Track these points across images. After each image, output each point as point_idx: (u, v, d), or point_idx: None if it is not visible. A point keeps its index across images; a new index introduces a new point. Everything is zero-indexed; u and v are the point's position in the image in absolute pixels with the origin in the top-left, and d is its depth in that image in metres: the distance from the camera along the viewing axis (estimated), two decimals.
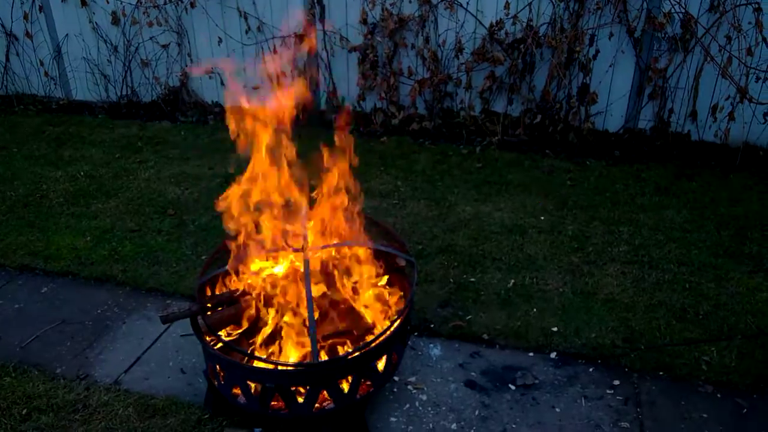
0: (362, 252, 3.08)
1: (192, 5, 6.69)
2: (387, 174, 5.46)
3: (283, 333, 2.86)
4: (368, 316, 3.00)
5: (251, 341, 2.91)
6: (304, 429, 2.88)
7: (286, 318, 2.85)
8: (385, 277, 3.19)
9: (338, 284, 2.99)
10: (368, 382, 2.77)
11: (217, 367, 2.74)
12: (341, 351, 2.87)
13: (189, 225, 4.69)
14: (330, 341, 2.90)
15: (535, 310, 3.68)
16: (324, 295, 2.92)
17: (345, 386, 2.69)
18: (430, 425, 2.93)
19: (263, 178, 2.94)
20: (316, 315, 2.77)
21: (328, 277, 2.98)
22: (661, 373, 3.20)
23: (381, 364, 2.79)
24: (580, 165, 5.61)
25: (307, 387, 2.64)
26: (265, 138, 2.92)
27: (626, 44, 5.67)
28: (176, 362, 3.36)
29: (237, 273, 3.10)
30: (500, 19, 5.87)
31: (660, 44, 5.59)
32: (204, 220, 4.76)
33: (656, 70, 5.63)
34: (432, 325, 3.57)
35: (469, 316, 3.63)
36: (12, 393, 3.07)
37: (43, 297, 3.95)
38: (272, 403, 2.68)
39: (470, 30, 6.04)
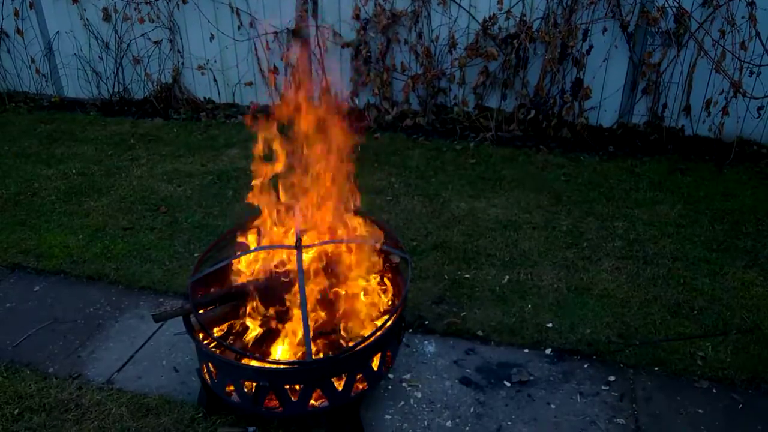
0: (356, 249, 3.06)
1: (184, 1, 6.65)
2: (380, 170, 5.44)
3: (276, 331, 2.84)
4: (362, 314, 2.98)
5: (245, 339, 2.89)
6: (298, 427, 2.87)
7: (279, 316, 2.83)
8: (380, 274, 3.17)
9: (332, 281, 2.97)
10: (362, 380, 2.76)
11: (210, 365, 2.72)
12: (335, 349, 2.85)
13: (182, 222, 4.67)
14: (324, 339, 2.88)
15: (529, 306, 3.67)
16: (318, 292, 2.90)
17: (339, 384, 2.67)
18: (425, 423, 2.92)
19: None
20: (310, 312, 2.76)
21: (322, 275, 2.96)
22: (656, 368, 3.20)
23: (375, 362, 2.78)
24: (574, 160, 5.61)
25: (301, 385, 2.62)
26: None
27: (620, 39, 5.66)
28: (169, 361, 3.34)
29: (230, 270, 3.08)
30: (493, 14, 5.85)
31: (653, 39, 5.58)
32: (197, 217, 4.73)
33: (650, 65, 5.63)
34: (426, 322, 3.56)
35: (464, 313, 3.62)
36: (4, 393, 3.05)
37: (35, 296, 3.92)
38: (266, 401, 2.67)
39: (463, 25, 6.02)
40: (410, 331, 3.50)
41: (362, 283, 3.06)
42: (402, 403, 3.03)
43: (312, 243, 2.90)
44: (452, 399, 3.06)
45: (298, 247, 2.72)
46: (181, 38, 6.92)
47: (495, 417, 2.95)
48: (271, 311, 2.86)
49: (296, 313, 2.78)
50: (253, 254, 3.03)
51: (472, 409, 2.99)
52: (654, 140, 5.81)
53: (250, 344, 2.86)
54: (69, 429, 2.86)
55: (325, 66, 6.44)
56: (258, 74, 6.81)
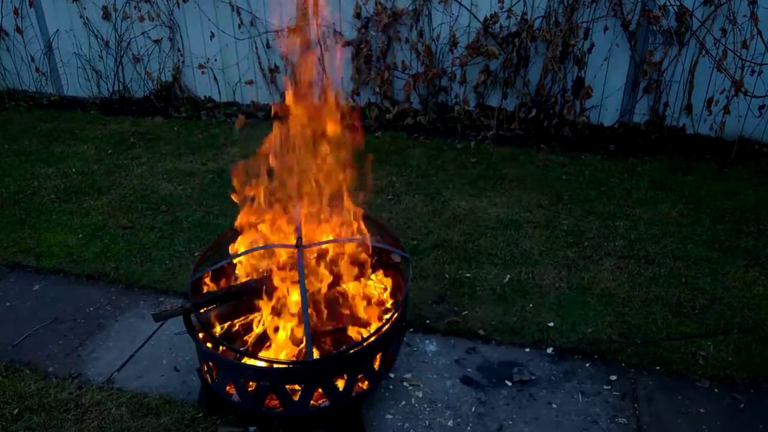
0: (357, 248, 3.06)
1: (184, 0, 6.64)
2: (381, 169, 5.43)
3: (277, 330, 2.84)
4: (363, 313, 2.97)
5: (245, 339, 2.88)
6: (299, 427, 2.86)
7: (280, 315, 2.82)
8: (380, 273, 3.17)
9: (333, 281, 2.96)
10: (363, 380, 2.75)
11: (211, 365, 2.71)
12: (336, 349, 2.84)
13: (182, 221, 4.66)
14: (325, 339, 2.87)
15: (531, 305, 3.66)
16: (318, 291, 2.89)
17: (340, 384, 2.66)
18: (426, 422, 2.91)
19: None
20: (311, 312, 2.75)
21: (322, 274, 2.95)
22: (657, 368, 3.19)
23: (376, 362, 2.77)
24: (575, 159, 5.60)
25: (302, 385, 2.61)
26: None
27: (621, 38, 5.65)
28: (170, 360, 3.33)
29: (230, 270, 3.07)
30: (495, 12, 5.84)
31: (655, 37, 5.57)
32: (197, 216, 4.72)
33: (651, 64, 5.62)
34: (427, 321, 3.55)
35: (465, 312, 3.61)
36: (3, 393, 3.04)
37: (35, 295, 3.91)
38: (267, 401, 2.66)
39: (464, 24, 6.01)
40: (411, 330, 3.49)
41: (363, 282, 3.06)
42: (403, 402, 3.03)
43: (312, 242, 2.89)
44: (453, 398, 3.05)
45: (299, 246, 2.71)
46: (181, 37, 6.91)
47: (496, 416, 2.94)
48: (272, 310, 2.86)
49: (297, 311, 2.77)
50: (255, 253, 3.02)
51: (473, 409, 2.98)
52: (655, 139, 5.80)
53: (250, 344, 2.86)
54: (69, 429, 2.85)
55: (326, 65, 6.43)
56: (258, 73, 6.80)
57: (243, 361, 2.73)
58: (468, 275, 3.95)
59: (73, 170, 5.60)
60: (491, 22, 5.87)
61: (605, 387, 3.09)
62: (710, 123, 5.68)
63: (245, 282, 2.95)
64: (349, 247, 3.02)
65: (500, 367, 3.23)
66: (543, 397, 3.05)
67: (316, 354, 2.72)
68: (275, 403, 2.67)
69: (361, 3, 6.14)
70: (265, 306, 2.85)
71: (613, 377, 3.15)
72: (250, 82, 6.89)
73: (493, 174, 5.34)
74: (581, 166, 5.44)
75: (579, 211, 4.68)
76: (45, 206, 4.93)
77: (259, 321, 2.89)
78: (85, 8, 6.97)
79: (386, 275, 3.19)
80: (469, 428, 2.88)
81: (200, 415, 2.90)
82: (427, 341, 3.43)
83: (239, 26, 6.63)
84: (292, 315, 2.80)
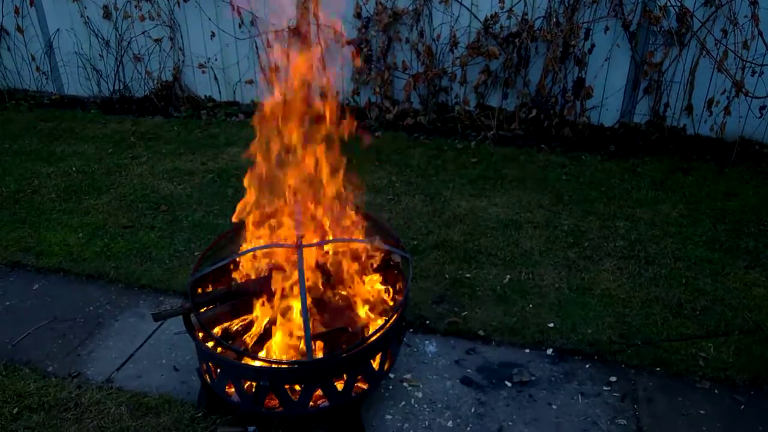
0: (357, 248, 3.05)
1: None
2: (381, 169, 5.43)
3: (276, 330, 2.83)
4: (363, 313, 2.97)
5: (245, 338, 2.88)
6: (299, 427, 2.85)
7: (279, 315, 2.82)
8: (380, 273, 3.16)
9: (333, 281, 2.96)
10: (363, 380, 2.75)
11: (210, 364, 2.71)
12: (336, 349, 2.84)
13: (182, 221, 4.65)
14: (324, 339, 2.87)
15: (531, 305, 3.66)
16: (318, 291, 2.89)
17: (339, 384, 2.66)
18: (426, 423, 2.91)
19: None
20: (310, 312, 2.74)
21: (322, 274, 2.95)
22: (658, 369, 3.18)
23: (376, 362, 2.76)
24: (575, 159, 5.59)
25: (302, 385, 2.61)
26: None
27: (622, 38, 5.65)
28: (169, 360, 3.32)
29: (230, 269, 3.07)
30: (495, 12, 5.84)
31: (656, 38, 5.57)
32: (197, 215, 4.72)
33: (652, 64, 5.61)
34: (427, 322, 3.55)
35: (465, 312, 3.61)
36: (3, 392, 3.04)
37: (35, 294, 3.91)
38: (266, 401, 2.66)
39: (465, 24, 6.01)
40: (411, 330, 3.49)
41: (363, 282, 3.05)
42: (403, 403, 3.02)
43: (313, 242, 2.89)
44: (453, 399, 3.04)
45: (299, 246, 2.71)
46: (181, 36, 6.90)
47: (496, 417, 2.93)
48: (272, 310, 2.85)
49: (297, 311, 2.77)
50: (255, 252, 3.02)
51: (473, 409, 2.98)
52: (655, 140, 5.79)
53: (250, 344, 2.85)
54: (68, 428, 2.85)
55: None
56: (259, 72, 6.79)
57: (242, 361, 2.73)
58: (468, 275, 3.94)
59: (74, 169, 5.59)
60: (492, 23, 5.87)
61: (605, 388, 3.09)
62: (711, 124, 5.68)
63: (245, 282, 2.95)
64: (350, 247, 3.02)
65: (500, 368, 3.23)
66: (543, 398, 3.05)
67: (316, 354, 2.72)
68: (275, 403, 2.67)
69: (362, 2, 6.14)
70: (265, 306, 2.85)
71: (613, 378, 3.14)
72: (251, 82, 6.89)
73: (493, 174, 5.34)
74: (581, 167, 5.44)
75: (579, 212, 4.68)
76: (45, 205, 4.93)
77: (259, 321, 2.88)
78: (85, 7, 6.97)
79: (386, 275, 3.18)
80: (468, 429, 2.88)
81: (200, 414, 2.90)
82: (427, 342, 3.43)
83: (240, 26, 6.62)
84: (292, 315, 2.80)
